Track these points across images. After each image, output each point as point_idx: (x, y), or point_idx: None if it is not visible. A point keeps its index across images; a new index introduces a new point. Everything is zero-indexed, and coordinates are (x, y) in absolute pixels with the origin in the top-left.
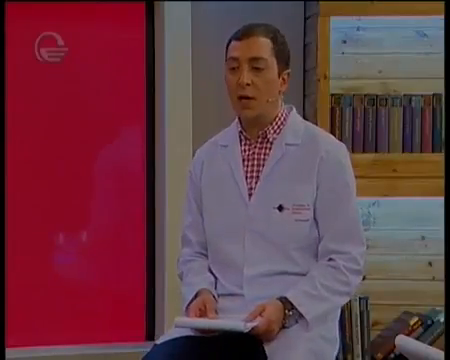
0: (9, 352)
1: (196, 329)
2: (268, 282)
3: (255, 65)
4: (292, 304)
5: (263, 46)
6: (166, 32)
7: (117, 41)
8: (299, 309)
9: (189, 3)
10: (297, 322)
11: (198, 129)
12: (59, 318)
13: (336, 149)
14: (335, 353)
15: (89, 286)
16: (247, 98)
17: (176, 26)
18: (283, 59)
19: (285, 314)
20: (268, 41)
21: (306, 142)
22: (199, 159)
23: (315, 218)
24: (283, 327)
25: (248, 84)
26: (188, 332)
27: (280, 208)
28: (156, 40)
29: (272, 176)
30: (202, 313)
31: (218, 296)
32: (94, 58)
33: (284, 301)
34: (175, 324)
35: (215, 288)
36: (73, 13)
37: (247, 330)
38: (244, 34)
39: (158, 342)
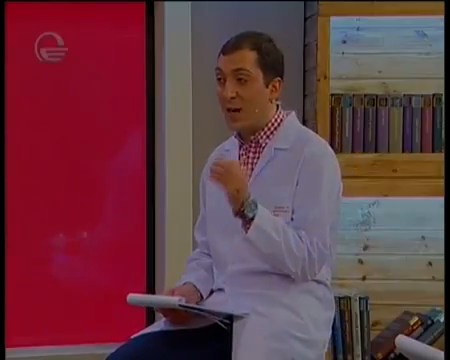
0: (9, 352)
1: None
2: (248, 279)
3: (239, 76)
4: (256, 203)
5: (247, 59)
6: (166, 32)
7: (117, 41)
8: (258, 206)
9: (189, 3)
10: (242, 218)
11: (198, 129)
12: (59, 318)
13: (321, 153)
14: (319, 357)
15: (89, 287)
16: (234, 110)
17: (176, 26)
18: (271, 68)
19: (248, 196)
20: (253, 53)
21: (294, 146)
22: (207, 164)
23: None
24: (239, 209)
25: (233, 97)
26: (163, 327)
27: None
28: (156, 40)
29: (259, 180)
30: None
31: (211, 291)
32: (94, 58)
33: (253, 197)
34: (127, 300)
35: (212, 284)
36: (73, 13)
37: (180, 303)
38: (230, 48)
39: (134, 336)
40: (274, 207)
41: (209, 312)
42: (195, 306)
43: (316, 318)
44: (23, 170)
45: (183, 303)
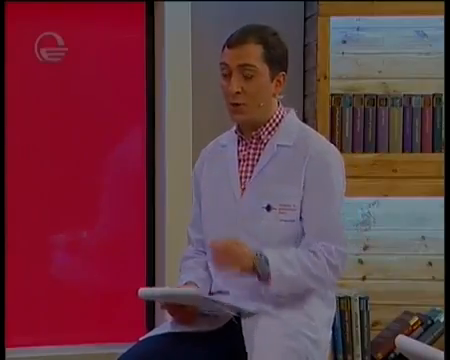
0: (9, 352)
1: (160, 300)
2: (252, 282)
3: (245, 72)
4: (265, 256)
5: (253, 53)
6: (166, 32)
7: (117, 41)
8: (268, 257)
9: (189, 3)
10: (260, 277)
11: (198, 129)
12: (59, 318)
13: (325, 150)
14: (323, 357)
15: (89, 286)
16: (238, 104)
17: (176, 26)
18: (276, 63)
19: (255, 256)
20: (259, 47)
21: (297, 143)
22: (201, 158)
23: (301, 217)
24: (253, 270)
25: (238, 92)
26: (173, 329)
27: (268, 208)
28: (156, 40)
29: (262, 176)
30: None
31: (211, 293)
32: (94, 58)
33: (258, 251)
34: (139, 294)
35: (210, 283)
36: (73, 13)
37: (200, 293)
38: (235, 41)
39: (142, 338)
40: (279, 205)
41: (225, 305)
42: (214, 298)
43: (321, 317)
44: (23, 170)
45: (204, 292)
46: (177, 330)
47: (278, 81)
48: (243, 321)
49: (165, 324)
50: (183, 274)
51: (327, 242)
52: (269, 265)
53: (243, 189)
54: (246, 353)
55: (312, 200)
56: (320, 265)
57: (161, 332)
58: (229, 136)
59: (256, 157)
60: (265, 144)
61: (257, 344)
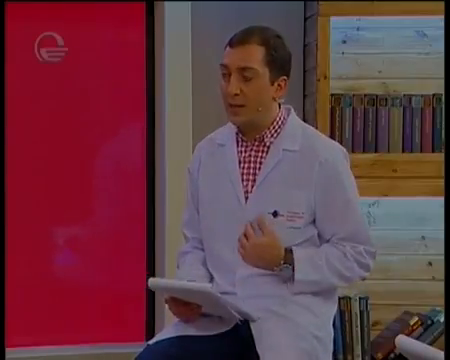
0: (9, 352)
1: (169, 293)
2: (260, 282)
3: (244, 74)
4: (292, 255)
5: (254, 55)
6: (166, 32)
7: (117, 41)
8: (296, 265)
9: (189, 3)
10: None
11: (198, 128)
12: (59, 318)
13: (334, 155)
14: (329, 356)
15: (89, 286)
16: (237, 106)
17: (176, 26)
18: (278, 66)
19: (283, 258)
20: (261, 49)
21: (304, 148)
22: (197, 156)
23: (318, 224)
24: (272, 269)
25: (237, 94)
26: (181, 332)
27: (275, 214)
28: (156, 40)
29: (269, 181)
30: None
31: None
32: (94, 58)
33: (287, 250)
34: (149, 284)
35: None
36: (73, 13)
37: (213, 291)
38: (237, 41)
39: (151, 342)
40: (287, 212)
41: (233, 309)
42: (225, 300)
43: (325, 314)
44: (23, 170)
45: (214, 288)
46: (185, 333)
47: (279, 85)
48: (252, 323)
49: (171, 327)
50: (181, 270)
51: (355, 244)
52: (295, 271)
53: (246, 192)
54: (256, 355)
55: (332, 209)
56: (349, 266)
57: (169, 336)
58: (225, 135)
59: (258, 160)
60: (268, 147)
61: (270, 346)
